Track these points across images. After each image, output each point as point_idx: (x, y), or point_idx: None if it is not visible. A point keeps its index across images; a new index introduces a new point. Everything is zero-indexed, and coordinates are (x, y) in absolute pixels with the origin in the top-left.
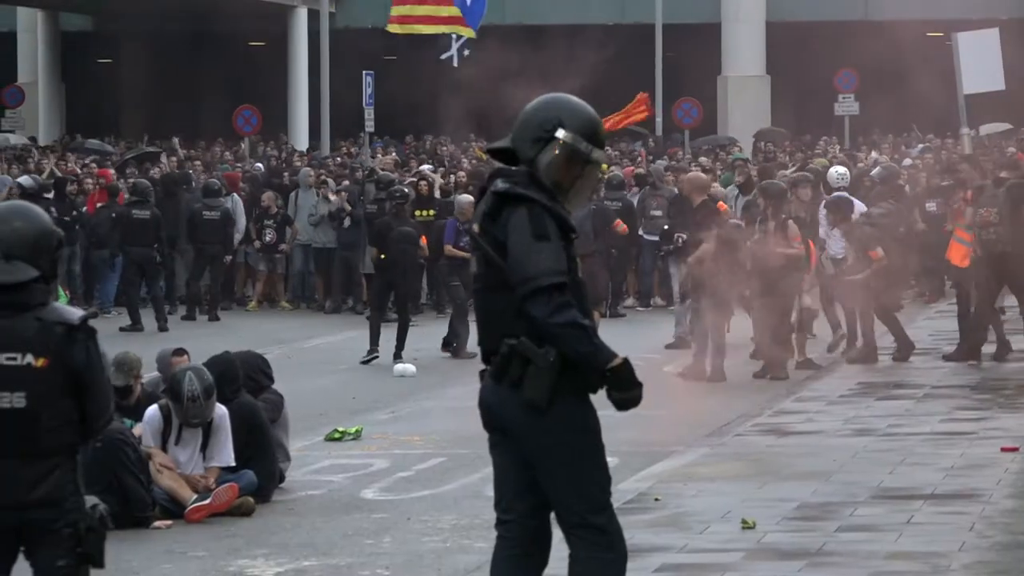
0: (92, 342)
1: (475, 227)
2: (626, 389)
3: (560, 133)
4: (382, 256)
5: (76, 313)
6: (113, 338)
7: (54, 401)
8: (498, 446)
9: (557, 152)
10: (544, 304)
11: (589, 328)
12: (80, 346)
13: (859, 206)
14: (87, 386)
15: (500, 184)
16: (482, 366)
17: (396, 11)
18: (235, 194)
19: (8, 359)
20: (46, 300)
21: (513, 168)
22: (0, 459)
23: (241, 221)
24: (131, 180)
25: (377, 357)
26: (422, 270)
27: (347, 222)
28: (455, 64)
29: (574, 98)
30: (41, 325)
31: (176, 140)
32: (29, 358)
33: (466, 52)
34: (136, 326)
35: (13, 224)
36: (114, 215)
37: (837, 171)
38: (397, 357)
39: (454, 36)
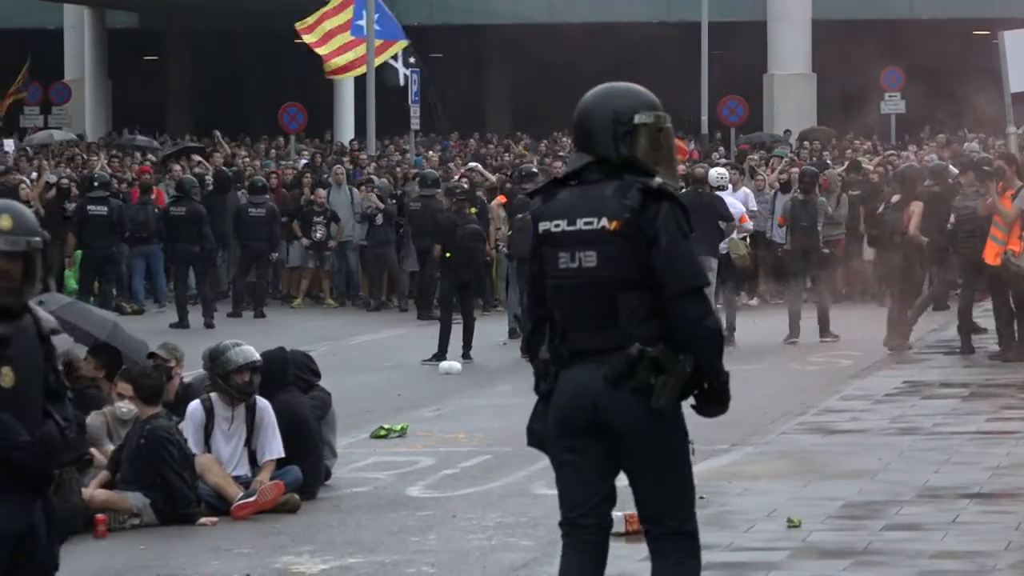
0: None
1: (609, 223)
2: (725, 402)
3: (638, 118)
4: (447, 255)
5: None
6: (162, 335)
7: None
8: (583, 451)
9: (644, 137)
10: (698, 304)
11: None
12: None
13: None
14: None
15: (650, 181)
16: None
17: (327, 62)
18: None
19: None
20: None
21: (592, 164)
22: None
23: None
24: (177, 176)
25: (443, 359)
26: (489, 267)
27: (379, 219)
28: (402, 84)
29: (614, 84)
30: None
31: (217, 133)
32: None
33: (412, 60)
34: (183, 323)
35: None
36: (158, 211)
37: (717, 171)
38: (466, 356)
39: (394, 59)
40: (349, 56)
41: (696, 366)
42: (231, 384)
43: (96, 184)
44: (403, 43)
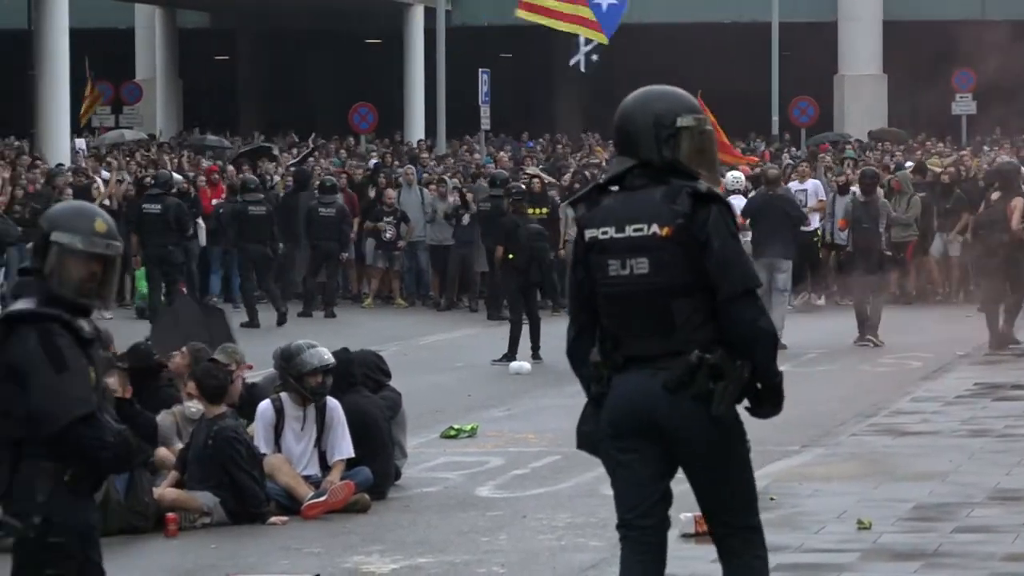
0: (40, 338)
1: (660, 229)
2: (779, 403)
3: (680, 121)
4: (510, 256)
5: (19, 306)
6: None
7: None
8: (638, 452)
9: (687, 140)
10: (751, 306)
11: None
12: (16, 339)
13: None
14: (24, 381)
15: (699, 185)
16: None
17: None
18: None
19: None
20: (24, 293)
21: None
22: None
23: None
24: (245, 176)
25: (513, 360)
26: (556, 268)
27: (466, 219)
28: (583, 69)
29: (654, 87)
30: None
31: (313, 136)
32: None
33: (594, 57)
34: (253, 322)
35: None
36: (230, 211)
37: (732, 175)
38: (536, 356)
39: (582, 40)
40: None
41: (752, 368)
42: (305, 385)
43: (152, 183)
44: (603, 38)
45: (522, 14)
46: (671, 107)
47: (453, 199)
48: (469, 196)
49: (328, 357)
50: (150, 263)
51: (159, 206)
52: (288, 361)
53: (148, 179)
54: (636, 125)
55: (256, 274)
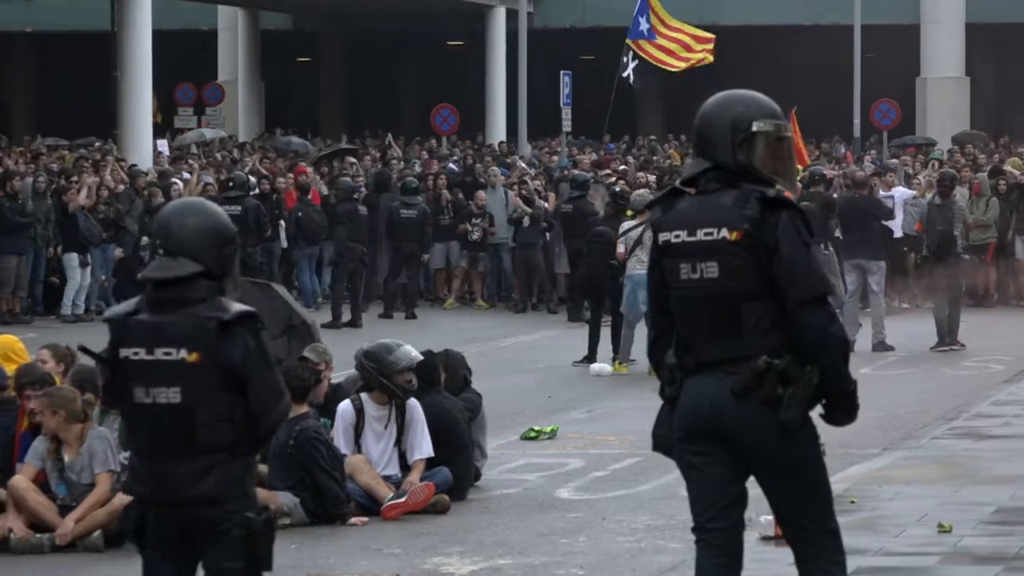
0: (252, 337)
1: (729, 234)
2: (853, 411)
3: (756, 125)
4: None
5: (235, 308)
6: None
7: (210, 397)
8: (710, 455)
9: (763, 145)
10: (823, 313)
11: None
12: (236, 341)
13: None
14: (246, 381)
15: (768, 190)
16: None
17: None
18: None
19: (165, 354)
20: (207, 296)
21: (711, 173)
22: (159, 455)
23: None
24: (344, 180)
25: (593, 361)
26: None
27: (526, 221)
28: (631, 83)
29: (735, 91)
30: (195, 320)
31: (389, 136)
32: (183, 353)
33: (630, 75)
34: (336, 322)
35: (181, 220)
36: (321, 212)
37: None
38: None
39: (630, 56)
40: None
41: (823, 375)
42: (395, 384)
43: (232, 184)
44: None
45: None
46: (749, 111)
47: (516, 201)
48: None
49: (416, 355)
50: None
51: (238, 208)
52: (378, 360)
53: (229, 180)
54: (713, 128)
55: (356, 274)
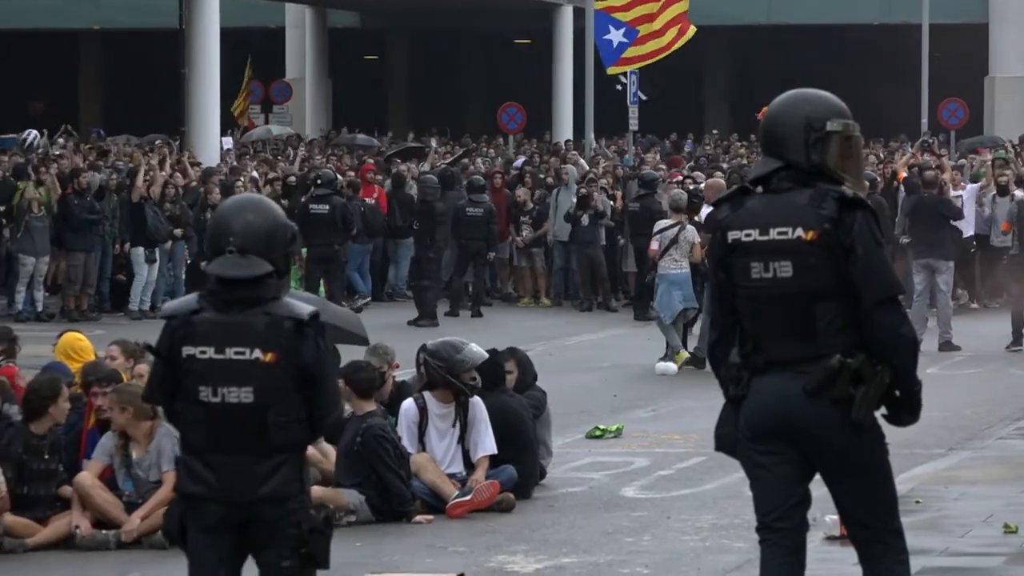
0: (321, 338)
1: (805, 233)
2: (917, 412)
3: (829, 125)
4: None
5: (306, 308)
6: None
7: (282, 397)
8: (777, 455)
9: (836, 144)
10: (895, 313)
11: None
12: (309, 342)
13: None
14: (315, 382)
15: (845, 190)
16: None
17: (628, 52)
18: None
19: (237, 353)
20: (278, 295)
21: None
22: (228, 455)
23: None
24: (424, 176)
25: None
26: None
27: (584, 220)
28: (633, 101)
29: (805, 90)
30: (270, 320)
31: (469, 140)
32: (257, 353)
33: (638, 92)
34: (420, 320)
35: (245, 217)
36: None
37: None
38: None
39: (629, 75)
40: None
41: (892, 375)
42: (463, 382)
43: (319, 182)
44: (692, 29)
45: (614, 71)
46: (822, 111)
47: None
48: (613, 197)
49: (483, 354)
50: (314, 263)
51: (326, 206)
52: (446, 359)
53: (291, 178)
54: (786, 127)
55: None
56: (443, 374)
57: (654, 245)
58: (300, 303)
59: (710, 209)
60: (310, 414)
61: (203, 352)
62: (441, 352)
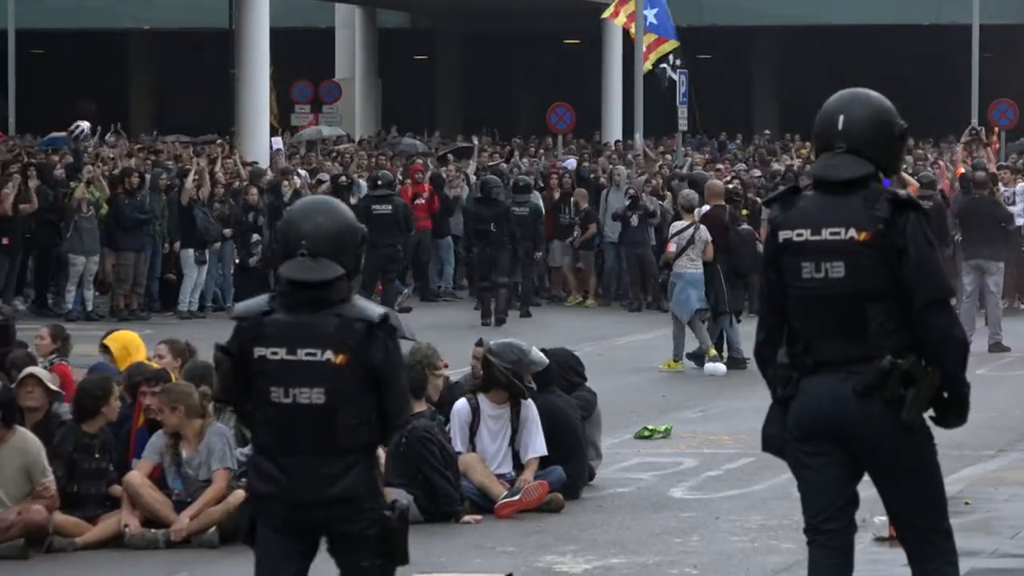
0: (391, 340)
1: (858, 234)
2: (964, 414)
3: (898, 128)
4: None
5: (377, 310)
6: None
7: (353, 398)
8: (826, 456)
9: (900, 145)
10: (946, 315)
11: None
12: (379, 343)
13: None
14: (386, 384)
15: (899, 191)
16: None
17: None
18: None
19: (308, 355)
20: (348, 297)
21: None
22: (300, 455)
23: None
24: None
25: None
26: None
27: (634, 220)
28: (666, 86)
29: (867, 90)
30: (341, 322)
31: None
32: (328, 354)
33: (677, 61)
34: (486, 319)
35: (316, 219)
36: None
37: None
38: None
39: (664, 59)
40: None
41: (942, 376)
42: (524, 383)
43: (380, 183)
44: (674, 43)
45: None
46: (892, 111)
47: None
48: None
49: (545, 359)
50: (376, 263)
51: (388, 206)
52: (516, 360)
53: (343, 178)
54: (873, 127)
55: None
56: (509, 375)
57: (672, 246)
58: (371, 305)
59: (707, 208)
60: (380, 416)
61: (274, 353)
62: (508, 353)
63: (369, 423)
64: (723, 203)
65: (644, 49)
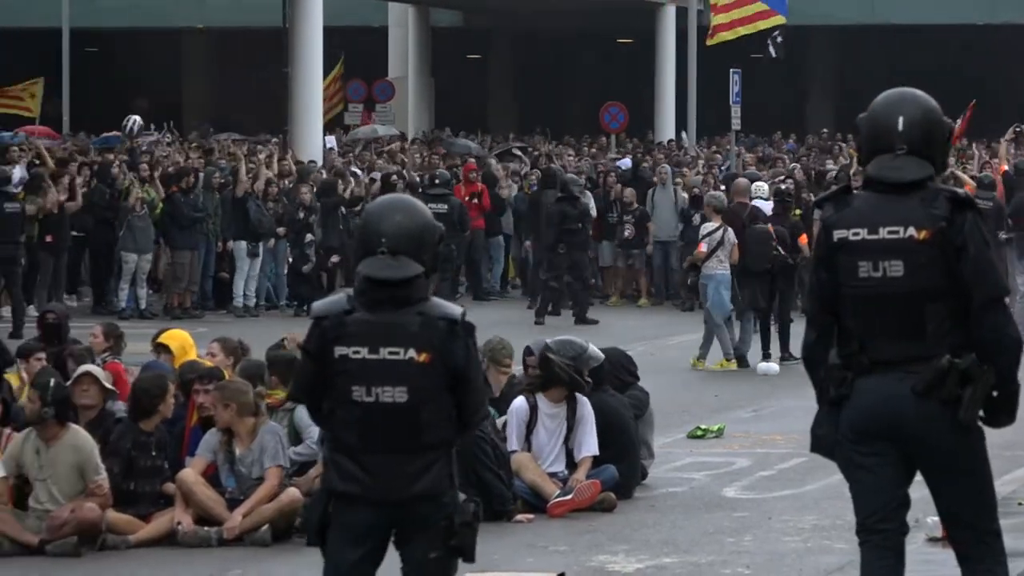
0: (471, 338)
1: (917, 233)
2: (1014, 413)
3: (949, 128)
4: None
5: (456, 308)
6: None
7: (434, 396)
8: (880, 456)
9: (948, 144)
10: (1002, 313)
11: None
12: (461, 342)
13: None
14: (466, 381)
15: (957, 190)
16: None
17: (717, 19)
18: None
19: (391, 353)
20: (428, 295)
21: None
22: (382, 454)
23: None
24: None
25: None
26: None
27: (697, 219)
28: (774, 55)
29: (911, 89)
30: (424, 320)
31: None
32: (411, 353)
33: (779, 38)
34: (542, 318)
35: (395, 218)
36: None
37: (756, 184)
38: (786, 358)
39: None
40: (733, 15)
41: (996, 375)
42: (584, 380)
43: (436, 181)
44: (781, 19)
45: (714, 42)
46: (937, 111)
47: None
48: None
49: (602, 355)
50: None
51: (444, 205)
52: (577, 356)
53: (394, 177)
54: (933, 127)
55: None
56: (570, 372)
57: (703, 247)
58: (449, 303)
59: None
60: (459, 412)
61: (356, 352)
62: (567, 349)
63: (449, 420)
64: (746, 202)
65: (751, 14)
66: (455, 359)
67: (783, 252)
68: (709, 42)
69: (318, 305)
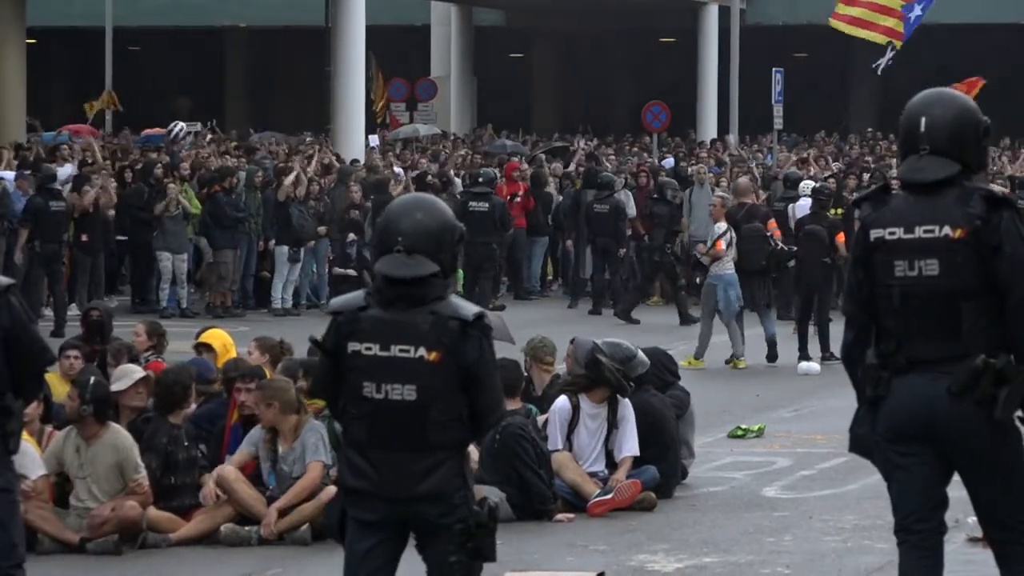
0: (486, 339)
1: (953, 232)
2: None
3: (984, 126)
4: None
5: (471, 309)
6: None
7: (444, 395)
8: (918, 456)
9: (986, 142)
10: None
11: None
12: (473, 342)
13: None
14: (479, 382)
15: (993, 189)
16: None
17: (842, 9)
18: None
19: (402, 351)
20: (444, 294)
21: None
22: (390, 451)
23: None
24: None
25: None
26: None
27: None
28: (879, 73)
29: (947, 90)
30: (435, 319)
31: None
32: (422, 351)
33: (891, 62)
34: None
35: (415, 216)
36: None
37: (804, 183)
38: (825, 357)
39: (889, 47)
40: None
41: None
42: (629, 384)
43: (480, 180)
44: (899, 43)
45: (836, 24)
46: (969, 110)
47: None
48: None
49: (648, 361)
50: (470, 261)
51: (486, 204)
52: (625, 361)
53: (430, 176)
54: (964, 128)
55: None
56: (618, 376)
57: (722, 244)
58: (466, 303)
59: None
60: (472, 413)
61: (368, 348)
62: (617, 352)
63: (460, 420)
64: (747, 202)
65: (879, 23)
66: (467, 359)
67: (786, 249)
68: (831, 22)
69: (335, 301)
